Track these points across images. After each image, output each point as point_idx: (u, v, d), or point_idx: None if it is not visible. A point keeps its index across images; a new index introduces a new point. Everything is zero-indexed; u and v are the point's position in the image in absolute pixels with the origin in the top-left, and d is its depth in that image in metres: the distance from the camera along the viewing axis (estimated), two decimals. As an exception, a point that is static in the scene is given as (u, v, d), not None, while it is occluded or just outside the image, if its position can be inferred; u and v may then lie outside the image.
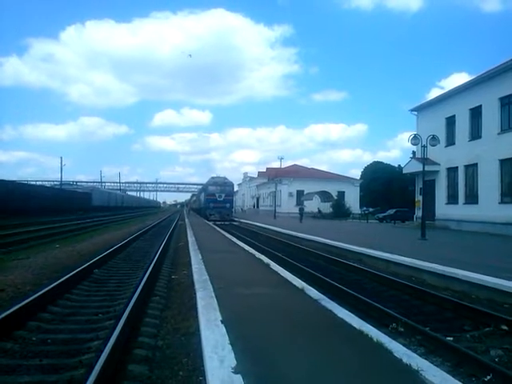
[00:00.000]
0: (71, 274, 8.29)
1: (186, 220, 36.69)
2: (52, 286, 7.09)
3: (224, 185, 42.97)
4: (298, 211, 56.00)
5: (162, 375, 4.07)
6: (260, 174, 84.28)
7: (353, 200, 59.73)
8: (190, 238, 16.48)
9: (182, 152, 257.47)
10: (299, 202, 59.20)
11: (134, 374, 4.02)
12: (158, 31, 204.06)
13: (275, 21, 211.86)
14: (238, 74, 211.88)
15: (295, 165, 77.33)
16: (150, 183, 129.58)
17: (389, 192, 71.14)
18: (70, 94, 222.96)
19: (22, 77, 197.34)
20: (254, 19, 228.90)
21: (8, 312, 5.28)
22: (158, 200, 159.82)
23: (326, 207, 53.70)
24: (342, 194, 58.95)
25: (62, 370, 4.13)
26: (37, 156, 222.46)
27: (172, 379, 3.97)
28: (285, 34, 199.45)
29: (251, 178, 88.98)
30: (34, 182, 75.43)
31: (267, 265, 9.76)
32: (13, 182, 35.44)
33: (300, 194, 60.05)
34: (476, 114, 25.50)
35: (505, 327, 6.03)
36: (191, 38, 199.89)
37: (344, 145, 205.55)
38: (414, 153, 29.75)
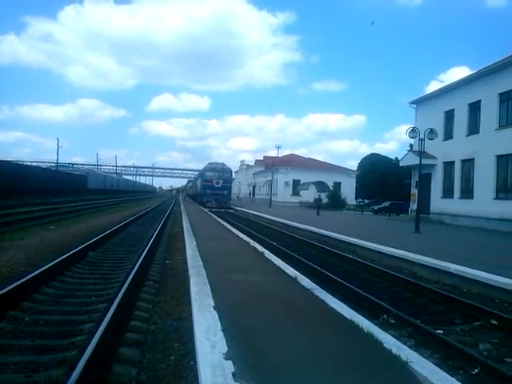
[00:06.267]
0: (65, 255, 8.29)
1: (182, 206, 36.64)
2: (46, 267, 7.08)
3: (222, 171, 41.81)
4: (296, 201, 56.09)
5: (154, 359, 4.10)
6: (257, 162, 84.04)
7: (349, 191, 59.74)
8: (185, 225, 16.48)
9: (179, 137, 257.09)
10: (295, 192, 59.20)
11: (126, 357, 4.04)
12: (158, 14, 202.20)
13: (278, 7, 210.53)
14: (239, 61, 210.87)
15: (292, 154, 77.19)
16: (146, 168, 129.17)
17: (385, 184, 71.17)
18: (69, 75, 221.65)
19: (19, 56, 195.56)
20: (257, 5, 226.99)
21: (1, 292, 5.29)
22: (154, 185, 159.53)
23: (322, 198, 53.69)
24: (338, 185, 58.91)
25: (53, 350, 4.15)
26: (33, 137, 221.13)
27: (163, 363, 4.00)
28: (287, 21, 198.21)
29: (248, 166, 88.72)
30: (30, 163, 75.03)
31: (261, 253, 9.78)
32: (8, 162, 35.24)
33: (296, 183, 59.95)
34: (475, 108, 25.44)
35: (494, 322, 6.08)
36: (191, 21, 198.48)
37: (342, 135, 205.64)
38: (411, 146, 29.78)
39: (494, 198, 22.96)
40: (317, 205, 35.99)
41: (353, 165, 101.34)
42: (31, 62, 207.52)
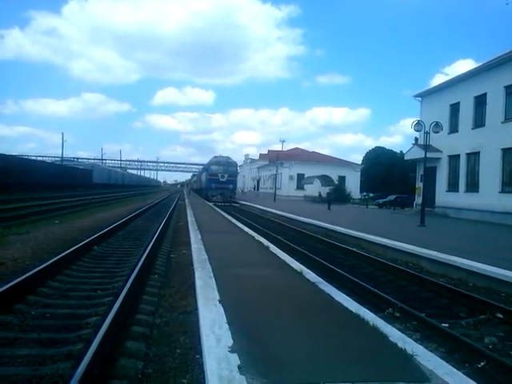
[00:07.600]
0: (71, 249, 8.32)
1: (186, 200, 36.67)
2: (51, 261, 7.11)
3: (227, 164, 41.18)
4: (301, 195, 55.98)
5: (160, 352, 4.11)
6: (261, 156, 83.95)
7: (353, 185, 59.65)
8: (190, 218, 16.51)
9: (183, 131, 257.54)
10: (300, 186, 59.11)
11: (132, 350, 4.05)
12: (162, 7, 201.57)
13: (282, 0, 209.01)
14: (243, 54, 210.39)
15: (297, 148, 77.04)
16: (150, 162, 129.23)
17: (389, 178, 70.90)
18: (73, 69, 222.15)
19: (23, 50, 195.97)
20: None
21: (8, 285, 5.31)
22: (159, 179, 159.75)
23: (327, 191, 53.63)
24: (342, 179, 58.77)
25: (60, 344, 4.16)
26: (38, 131, 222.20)
27: (169, 356, 4.01)
28: (291, 14, 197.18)
29: (252, 160, 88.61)
30: (35, 158, 75.30)
31: (267, 247, 9.78)
32: (13, 157, 35.34)
33: (301, 177, 59.89)
34: (480, 101, 25.25)
35: (500, 315, 6.07)
36: (195, 15, 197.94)
37: (346, 129, 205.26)
38: (416, 139, 29.58)
39: (500, 192, 22.85)
40: (328, 199, 35.80)
41: (357, 158, 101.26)
42: (35, 56, 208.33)
